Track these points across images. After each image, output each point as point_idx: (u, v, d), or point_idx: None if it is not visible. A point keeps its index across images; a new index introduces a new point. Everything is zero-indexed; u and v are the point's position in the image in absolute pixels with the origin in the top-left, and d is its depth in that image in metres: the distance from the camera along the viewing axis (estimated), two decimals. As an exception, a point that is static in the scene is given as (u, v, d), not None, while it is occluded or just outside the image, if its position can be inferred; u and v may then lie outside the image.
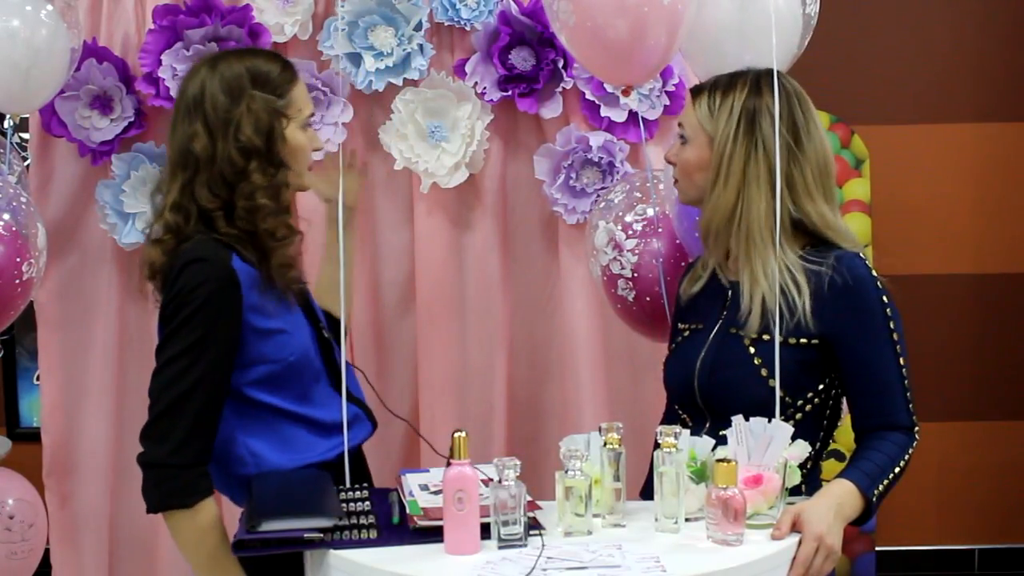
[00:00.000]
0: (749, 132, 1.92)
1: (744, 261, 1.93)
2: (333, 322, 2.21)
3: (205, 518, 1.88)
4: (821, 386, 1.94)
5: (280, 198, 1.98)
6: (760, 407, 1.83)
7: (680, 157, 2.02)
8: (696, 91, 2.02)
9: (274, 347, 1.96)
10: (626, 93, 2.37)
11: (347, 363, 2.11)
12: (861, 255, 1.93)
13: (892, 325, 1.88)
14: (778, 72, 1.96)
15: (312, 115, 2.06)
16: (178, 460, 1.86)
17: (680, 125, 2.03)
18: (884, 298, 1.89)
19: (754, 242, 1.92)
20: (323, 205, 2.29)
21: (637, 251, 2.35)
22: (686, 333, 2.07)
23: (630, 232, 2.37)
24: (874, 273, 1.91)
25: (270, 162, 1.97)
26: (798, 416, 1.91)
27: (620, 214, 2.40)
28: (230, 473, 1.99)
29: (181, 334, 1.87)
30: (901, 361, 1.89)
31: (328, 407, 2.02)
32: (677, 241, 2.34)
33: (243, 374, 1.95)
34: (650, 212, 2.37)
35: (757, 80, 1.96)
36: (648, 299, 2.36)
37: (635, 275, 2.36)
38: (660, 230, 2.35)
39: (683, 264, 2.26)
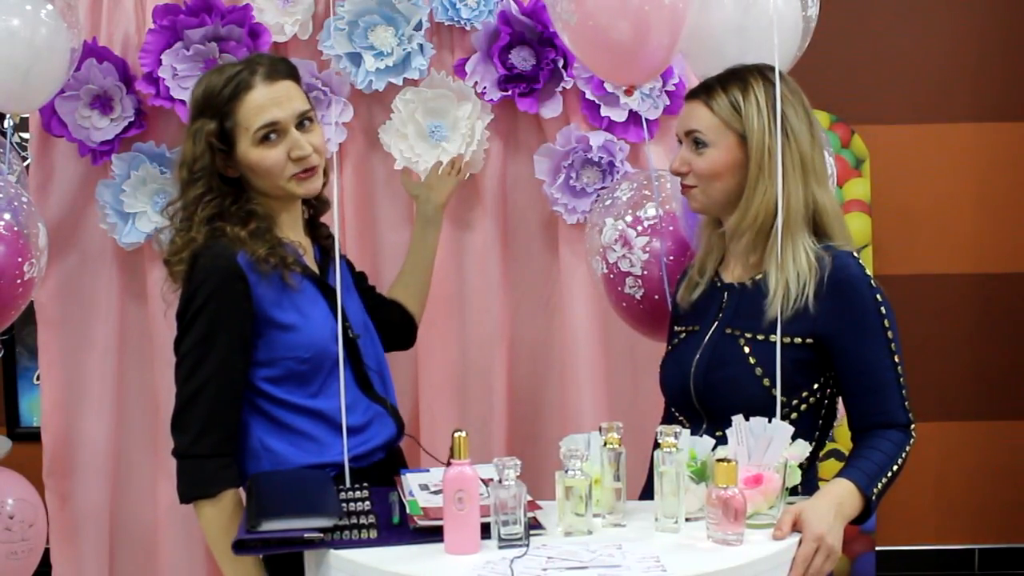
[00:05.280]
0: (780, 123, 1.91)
1: (782, 251, 1.90)
2: (399, 315, 2.37)
3: (228, 508, 1.92)
4: (816, 385, 1.94)
5: (249, 223, 2.00)
6: (756, 406, 1.83)
7: (701, 162, 1.96)
8: (705, 93, 1.97)
9: (291, 342, 1.99)
10: (628, 93, 2.38)
11: (375, 364, 2.15)
12: (855, 254, 1.93)
13: (886, 323, 1.89)
14: (771, 65, 1.96)
15: (268, 126, 1.98)
16: (198, 451, 1.93)
17: (690, 132, 1.98)
18: (877, 296, 1.90)
19: (791, 231, 1.91)
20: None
21: (647, 249, 2.35)
22: (682, 335, 2.08)
23: (640, 229, 2.36)
24: (867, 272, 1.91)
25: (218, 189, 2.01)
26: (793, 415, 1.92)
27: (630, 211, 2.39)
28: (246, 468, 2.01)
29: (191, 330, 1.95)
30: (896, 359, 1.89)
31: (350, 408, 2.02)
32: (687, 239, 2.34)
33: (259, 370, 1.99)
34: (660, 211, 2.37)
35: (763, 73, 1.95)
36: (656, 297, 2.36)
37: (644, 273, 2.36)
38: (670, 228, 2.35)
39: (686, 266, 2.25)
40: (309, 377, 2.02)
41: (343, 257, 2.22)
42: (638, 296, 2.38)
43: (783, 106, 1.91)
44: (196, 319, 1.94)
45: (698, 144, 1.97)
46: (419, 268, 2.47)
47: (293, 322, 2.00)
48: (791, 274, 1.90)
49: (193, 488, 1.94)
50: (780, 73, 1.95)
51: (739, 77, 1.96)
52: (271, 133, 2.00)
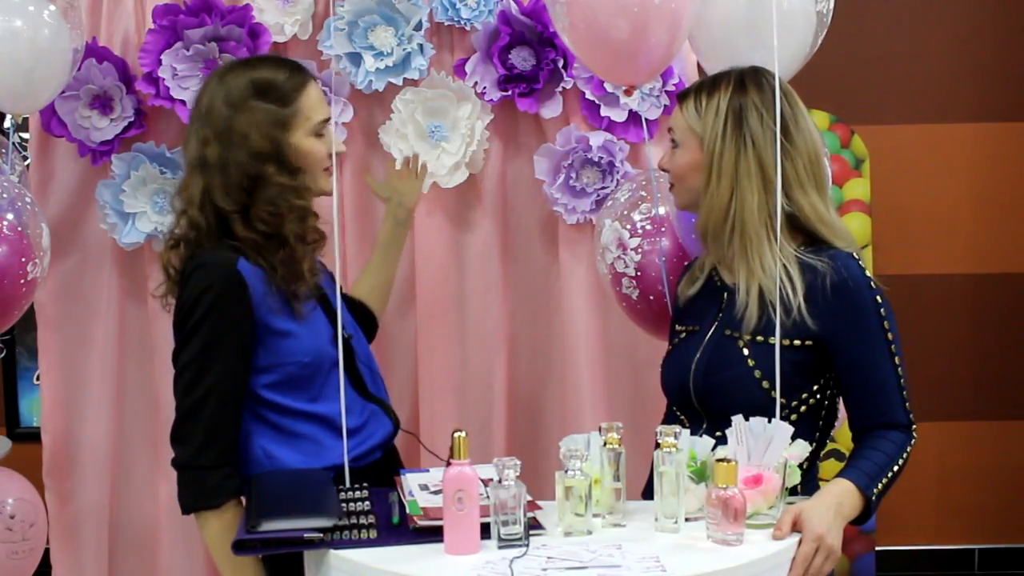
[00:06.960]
0: (737, 129, 1.94)
1: (740, 258, 1.94)
2: (363, 312, 2.33)
3: (231, 518, 1.91)
4: (816, 386, 1.94)
5: (305, 201, 2.02)
6: (755, 408, 1.83)
7: (673, 162, 2.03)
8: (682, 95, 2.03)
9: (288, 349, 1.98)
10: (628, 93, 2.38)
11: (365, 358, 2.15)
12: (855, 255, 1.93)
13: (886, 324, 1.89)
14: (764, 70, 1.98)
15: (326, 120, 2.06)
16: (201, 462, 1.92)
17: (670, 131, 2.05)
18: (878, 298, 1.90)
19: (749, 239, 1.93)
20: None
21: (641, 250, 2.36)
22: (682, 335, 2.08)
23: (635, 231, 2.37)
24: (867, 273, 1.92)
25: (284, 167, 2.00)
26: (793, 417, 1.92)
27: (625, 213, 2.40)
28: (247, 474, 2.00)
29: (193, 340, 1.93)
30: (896, 360, 1.90)
31: (348, 410, 2.02)
32: (681, 241, 2.34)
33: (259, 376, 1.98)
34: (655, 212, 2.37)
35: (741, 78, 1.98)
36: (651, 298, 2.37)
37: (639, 274, 2.37)
38: (664, 230, 2.35)
39: (685, 263, 2.26)
40: (309, 381, 2.01)
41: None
42: (634, 296, 2.40)
43: (745, 114, 1.94)
44: (197, 330, 1.92)
45: (674, 144, 2.04)
46: (385, 266, 2.46)
47: (292, 328, 1.99)
48: (764, 281, 1.91)
49: (196, 500, 1.92)
50: (767, 77, 1.96)
51: (715, 81, 2.00)
52: (323, 128, 2.06)
